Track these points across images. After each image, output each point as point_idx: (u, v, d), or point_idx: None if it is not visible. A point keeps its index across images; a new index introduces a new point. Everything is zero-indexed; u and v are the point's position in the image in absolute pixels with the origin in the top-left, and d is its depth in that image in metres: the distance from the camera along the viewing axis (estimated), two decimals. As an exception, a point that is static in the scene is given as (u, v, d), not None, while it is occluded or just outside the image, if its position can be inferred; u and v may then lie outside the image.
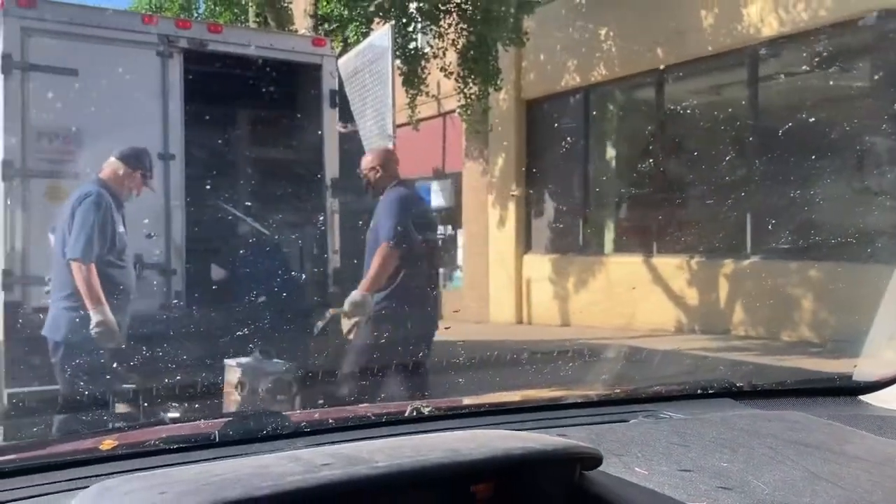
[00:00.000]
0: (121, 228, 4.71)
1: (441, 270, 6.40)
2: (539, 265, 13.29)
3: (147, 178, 4.98)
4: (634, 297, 11.36)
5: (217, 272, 6.35)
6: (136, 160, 4.92)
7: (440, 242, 5.74)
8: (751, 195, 10.06)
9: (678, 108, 11.82)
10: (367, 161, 5.24)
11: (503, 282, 13.84)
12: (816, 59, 9.67)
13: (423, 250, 5.11)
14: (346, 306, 4.86)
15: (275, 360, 4.62)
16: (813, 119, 9.49)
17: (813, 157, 9.57)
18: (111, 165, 4.84)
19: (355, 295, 4.86)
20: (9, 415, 5.71)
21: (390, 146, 6.25)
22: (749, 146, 10.17)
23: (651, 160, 11.61)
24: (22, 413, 5.52)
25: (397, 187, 5.11)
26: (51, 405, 5.46)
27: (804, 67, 9.85)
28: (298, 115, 7.47)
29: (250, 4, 12.22)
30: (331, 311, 4.94)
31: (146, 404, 3.90)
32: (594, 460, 1.18)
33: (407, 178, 5.83)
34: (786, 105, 10.41)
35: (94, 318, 4.46)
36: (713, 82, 11.25)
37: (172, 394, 3.88)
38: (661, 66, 11.24)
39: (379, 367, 4.83)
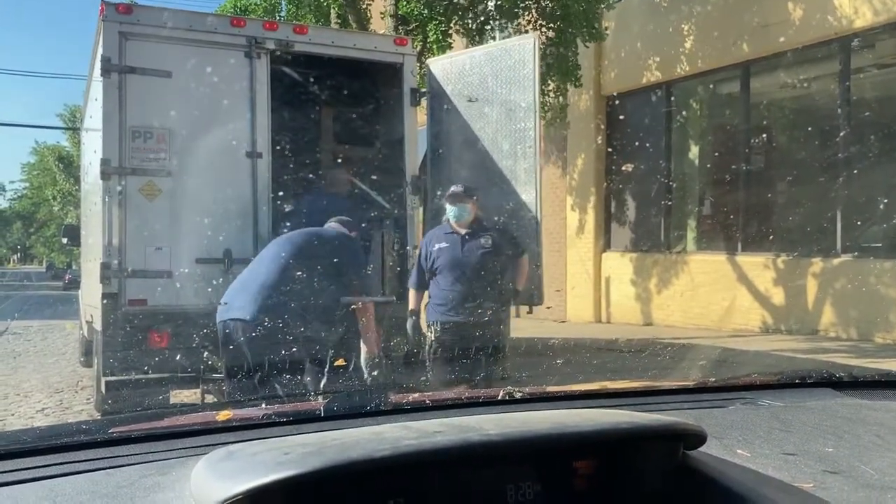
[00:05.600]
0: None
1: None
2: (619, 264, 13.13)
3: None
4: (718, 297, 11.12)
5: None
6: None
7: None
8: (841, 192, 9.71)
9: (764, 102, 11.50)
10: None
11: (582, 280, 13.72)
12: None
13: None
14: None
15: None
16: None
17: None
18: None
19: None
20: (106, 402, 5.97)
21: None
22: (839, 141, 9.82)
23: (735, 156, 11.33)
24: (118, 400, 5.77)
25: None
26: (145, 392, 5.71)
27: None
28: (380, 113, 7.59)
29: (332, 7, 12.42)
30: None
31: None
32: (698, 439, 1.18)
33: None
34: (879, 98, 10.01)
35: None
36: (801, 76, 10.88)
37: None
38: (746, 60, 10.96)
39: None
